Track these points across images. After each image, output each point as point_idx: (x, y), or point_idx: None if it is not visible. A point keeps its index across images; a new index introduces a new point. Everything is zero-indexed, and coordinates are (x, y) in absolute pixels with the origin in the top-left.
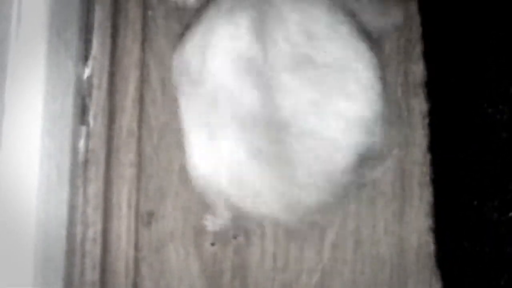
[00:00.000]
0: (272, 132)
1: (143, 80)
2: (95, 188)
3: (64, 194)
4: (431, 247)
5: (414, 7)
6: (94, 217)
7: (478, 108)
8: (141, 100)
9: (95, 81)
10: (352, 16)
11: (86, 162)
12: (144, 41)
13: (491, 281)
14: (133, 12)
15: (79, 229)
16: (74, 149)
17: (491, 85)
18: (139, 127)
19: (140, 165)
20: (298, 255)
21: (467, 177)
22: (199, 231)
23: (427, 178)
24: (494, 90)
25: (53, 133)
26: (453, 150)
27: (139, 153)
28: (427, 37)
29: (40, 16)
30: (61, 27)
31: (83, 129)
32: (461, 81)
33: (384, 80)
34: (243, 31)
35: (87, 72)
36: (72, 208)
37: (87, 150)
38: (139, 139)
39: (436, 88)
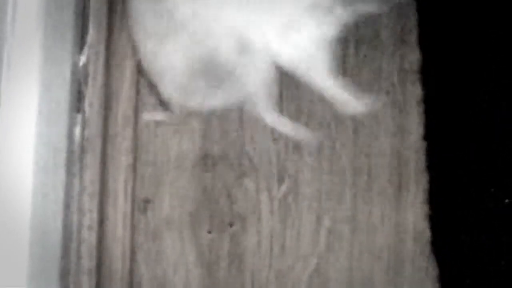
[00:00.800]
0: None
1: (138, 68)
2: (91, 175)
3: (60, 181)
4: (428, 234)
5: None
6: (90, 204)
7: (474, 96)
8: (137, 87)
9: (91, 68)
10: None
11: (82, 149)
12: None
13: (488, 268)
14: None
15: (75, 216)
16: (70, 137)
17: (488, 73)
18: (135, 114)
19: (136, 153)
20: (294, 242)
21: (463, 165)
22: (196, 218)
23: (423, 165)
24: (491, 79)
25: (49, 120)
26: (449, 138)
27: (135, 141)
28: (423, 25)
29: (36, 4)
30: (57, 15)
31: (79, 116)
32: (457, 69)
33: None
34: None
35: (82, 60)
36: (68, 195)
37: (83, 138)
38: (135, 127)
39: (432, 76)
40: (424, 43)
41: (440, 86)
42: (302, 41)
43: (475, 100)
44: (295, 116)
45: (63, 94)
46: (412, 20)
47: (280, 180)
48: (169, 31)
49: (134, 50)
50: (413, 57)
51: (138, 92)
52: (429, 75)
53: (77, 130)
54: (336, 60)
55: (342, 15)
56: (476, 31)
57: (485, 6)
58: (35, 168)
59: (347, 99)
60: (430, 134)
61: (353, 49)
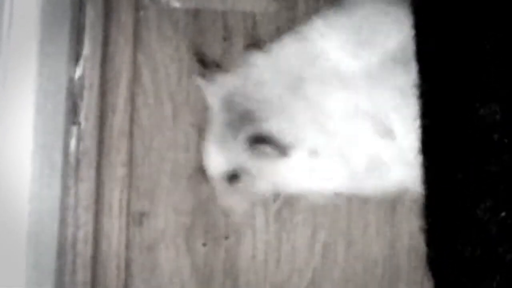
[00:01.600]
0: None
1: (134, 81)
2: (86, 188)
3: (55, 194)
4: (423, 248)
5: None
6: (86, 217)
7: (469, 108)
8: (132, 100)
9: (87, 81)
10: None
11: (77, 162)
12: (136, 42)
13: (483, 282)
14: (124, 12)
15: (70, 229)
16: (66, 149)
17: (483, 84)
18: (131, 127)
19: (131, 165)
20: (289, 256)
21: (459, 178)
22: (191, 231)
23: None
24: (486, 90)
25: (44, 133)
26: (445, 151)
27: (131, 153)
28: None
29: (31, 16)
30: (52, 27)
31: (75, 129)
32: (452, 82)
33: None
34: None
35: (78, 72)
36: (63, 208)
37: (78, 150)
38: (131, 139)
39: (427, 87)
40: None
41: (435, 99)
42: None
43: (472, 114)
44: None
45: (58, 106)
46: None
47: (276, 194)
48: None
49: (130, 63)
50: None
51: (133, 105)
52: (424, 88)
53: (73, 143)
54: None
55: None
56: (471, 25)
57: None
58: (31, 180)
59: None
60: (426, 148)
61: None
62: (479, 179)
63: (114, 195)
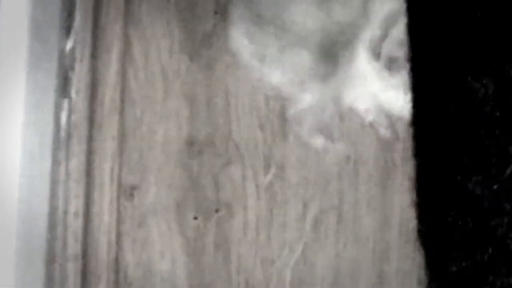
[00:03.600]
0: None
1: (125, 54)
2: (77, 162)
3: (46, 168)
4: (414, 222)
5: None
6: (76, 191)
7: (462, 81)
8: (123, 73)
9: (78, 54)
10: None
11: (68, 136)
12: (127, 15)
13: (475, 255)
14: None
15: (61, 203)
16: (57, 123)
17: (476, 58)
18: (122, 100)
19: (122, 139)
20: (280, 230)
21: (451, 152)
22: (182, 205)
23: (409, 153)
24: (479, 63)
25: (36, 106)
26: (436, 125)
27: (122, 127)
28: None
29: None
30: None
31: (65, 102)
32: (445, 56)
33: None
34: None
35: (69, 45)
36: (54, 182)
37: (69, 124)
38: (122, 113)
39: (419, 62)
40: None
41: (427, 72)
42: None
43: (464, 87)
44: None
45: (49, 79)
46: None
47: (267, 168)
48: None
49: (121, 37)
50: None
51: (124, 78)
52: (416, 62)
53: (64, 116)
54: None
55: None
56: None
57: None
58: (22, 154)
59: None
60: (417, 121)
61: None
62: (471, 153)
63: (105, 169)
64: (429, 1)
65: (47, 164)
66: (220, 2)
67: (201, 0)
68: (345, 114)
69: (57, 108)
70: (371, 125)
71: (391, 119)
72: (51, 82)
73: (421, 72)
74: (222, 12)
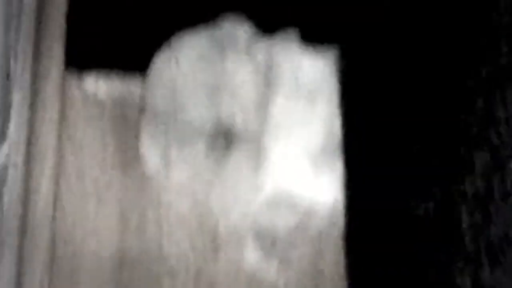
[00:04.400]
0: None
1: (58, 163)
2: (8, 271)
3: None
4: None
5: None
6: None
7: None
8: (56, 182)
9: (11, 160)
10: None
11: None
12: (61, 125)
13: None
14: (50, 95)
15: None
16: None
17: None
18: (54, 210)
19: (53, 250)
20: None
21: None
22: None
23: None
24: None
25: None
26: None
27: (53, 237)
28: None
29: None
30: None
31: None
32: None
33: None
34: None
35: (3, 150)
36: None
37: (1, 231)
38: (53, 223)
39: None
40: None
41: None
42: None
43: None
44: None
45: None
46: None
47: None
48: None
49: (55, 147)
50: None
51: (57, 188)
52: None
53: None
54: None
55: None
56: None
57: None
58: None
59: None
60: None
61: None
62: None
63: (34, 280)
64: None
65: None
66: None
67: (131, 113)
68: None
69: None
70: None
71: None
72: None
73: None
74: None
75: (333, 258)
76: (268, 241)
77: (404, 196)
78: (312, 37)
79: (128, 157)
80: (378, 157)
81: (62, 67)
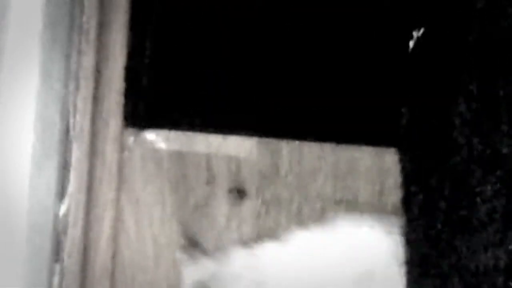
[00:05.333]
0: None
1: (117, 220)
2: None
3: None
4: None
5: None
6: None
7: None
8: (115, 239)
9: (71, 218)
10: None
11: None
12: (120, 181)
13: None
14: (109, 152)
15: None
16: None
17: None
18: (113, 266)
19: None
20: None
21: None
22: None
23: None
24: None
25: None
26: None
27: None
28: None
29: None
30: (41, 163)
31: (57, 266)
32: None
33: None
34: None
35: (63, 209)
36: None
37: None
38: (113, 278)
39: None
40: None
41: None
42: None
43: None
44: None
45: (44, 242)
46: None
47: None
48: None
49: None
50: None
51: (116, 244)
52: None
53: (56, 281)
54: None
55: None
56: None
57: None
58: None
59: None
60: None
61: None
62: None
63: None
64: None
65: None
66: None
67: (194, 169)
68: None
69: (49, 272)
70: None
71: None
72: (45, 246)
73: None
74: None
75: None
76: None
77: None
78: None
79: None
80: None
81: (120, 123)
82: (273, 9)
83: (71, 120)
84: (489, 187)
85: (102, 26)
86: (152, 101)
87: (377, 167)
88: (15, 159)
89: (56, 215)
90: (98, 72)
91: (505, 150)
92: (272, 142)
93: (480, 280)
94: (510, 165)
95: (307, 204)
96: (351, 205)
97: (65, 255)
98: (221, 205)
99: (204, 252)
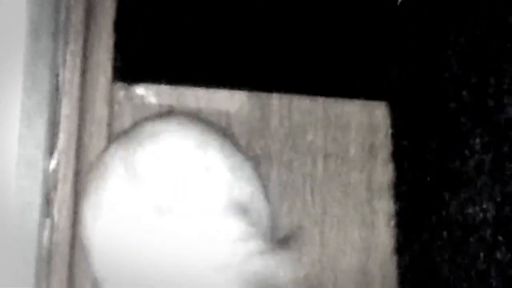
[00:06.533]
0: None
1: None
2: (58, 281)
3: None
4: None
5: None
6: None
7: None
8: None
9: (61, 174)
10: None
11: (50, 255)
12: (110, 136)
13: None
14: (99, 107)
15: None
16: (39, 242)
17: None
18: None
19: None
20: None
21: None
22: None
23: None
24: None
25: (19, 226)
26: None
27: None
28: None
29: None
30: (30, 119)
31: (48, 222)
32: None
33: None
34: None
35: (52, 164)
36: None
37: (51, 243)
38: None
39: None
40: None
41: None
42: None
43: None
44: None
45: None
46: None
47: None
48: None
49: None
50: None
51: None
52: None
53: (45, 236)
54: None
55: None
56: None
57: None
58: None
59: None
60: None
61: None
62: None
63: None
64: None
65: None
66: None
67: None
68: None
69: (40, 228)
70: None
71: None
72: (34, 202)
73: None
74: None
75: None
76: None
77: None
78: None
79: None
80: None
81: (110, 78)
82: None
83: (60, 76)
84: (477, 140)
85: None
86: (142, 55)
87: (367, 121)
88: (3, 115)
89: (45, 171)
90: (86, 28)
91: (491, 103)
92: (262, 96)
93: (468, 233)
94: (497, 118)
95: (297, 158)
96: (341, 159)
97: (55, 210)
98: None
99: None
